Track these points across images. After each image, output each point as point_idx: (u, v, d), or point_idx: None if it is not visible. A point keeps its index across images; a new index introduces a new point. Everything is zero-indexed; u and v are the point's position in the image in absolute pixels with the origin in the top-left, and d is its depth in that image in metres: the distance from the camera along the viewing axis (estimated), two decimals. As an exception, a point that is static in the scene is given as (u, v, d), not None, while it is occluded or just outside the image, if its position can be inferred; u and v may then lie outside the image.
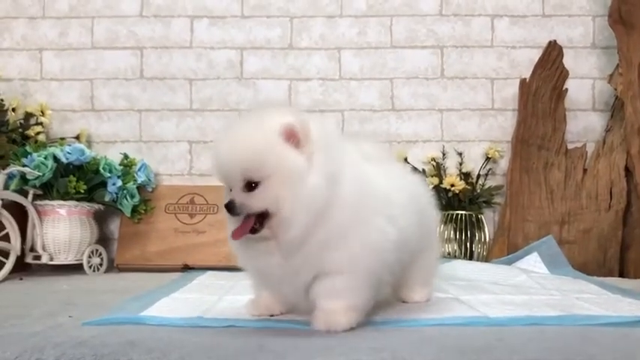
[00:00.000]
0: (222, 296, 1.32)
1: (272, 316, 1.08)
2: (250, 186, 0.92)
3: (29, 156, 1.83)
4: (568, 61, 2.15)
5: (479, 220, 2.07)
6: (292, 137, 0.92)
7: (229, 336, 0.94)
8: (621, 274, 1.95)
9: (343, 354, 0.82)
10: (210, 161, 0.99)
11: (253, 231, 0.94)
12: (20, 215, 1.82)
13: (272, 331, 0.97)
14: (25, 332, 0.95)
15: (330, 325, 0.96)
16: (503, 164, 2.19)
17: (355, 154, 1.02)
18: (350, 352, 0.83)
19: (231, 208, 0.93)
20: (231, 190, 0.95)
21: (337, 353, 0.83)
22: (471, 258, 2.03)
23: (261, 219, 0.93)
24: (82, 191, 1.87)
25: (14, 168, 1.78)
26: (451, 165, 2.16)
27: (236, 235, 0.94)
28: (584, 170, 2.06)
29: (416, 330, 1.00)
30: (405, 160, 2.15)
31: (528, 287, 1.51)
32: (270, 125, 0.92)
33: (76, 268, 1.91)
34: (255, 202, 0.92)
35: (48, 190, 1.86)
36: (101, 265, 1.95)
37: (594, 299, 1.32)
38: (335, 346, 0.87)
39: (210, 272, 1.83)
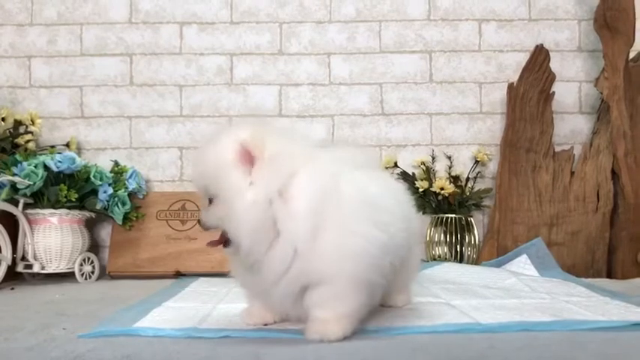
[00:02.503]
0: (216, 305, 1.32)
1: (266, 325, 1.09)
2: (210, 201, 0.98)
3: (19, 165, 1.82)
4: (554, 64, 2.17)
5: (468, 223, 2.08)
6: (244, 156, 0.94)
7: (225, 347, 0.94)
8: (609, 275, 1.98)
9: (338, 364, 0.83)
10: None
11: (225, 244, 0.99)
12: (11, 224, 1.81)
13: (267, 341, 0.98)
14: (21, 347, 0.95)
15: (323, 334, 0.97)
16: (492, 167, 2.21)
17: (336, 163, 1.03)
18: (345, 362, 0.84)
19: (199, 220, 1.01)
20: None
21: (332, 363, 0.84)
22: (461, 260, 2.05)
23: (227, 234, 0.98)
24: (74, 199, 1.86)
25: (4, 177, 1.77)
26: (440, 168, 2.18)
27: (209, 244, 1.01)
28: (572, 173, 2.08)
29: (408, 338, 1.01)
30: (395, 164, 2.16)
31: (518, 290, 1.53)
32: (224, 143, 0.96)
33: (67, 277, 1.91)
34: (209, 217, 0.98)
35: (39, 198, 1.86)
36: (93, 272, 1.94)
37: (583, 302, 1.34)
38: (329, 356, 0.88)
39: (202, 279, 1.83)
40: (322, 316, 0.98)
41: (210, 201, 0.98)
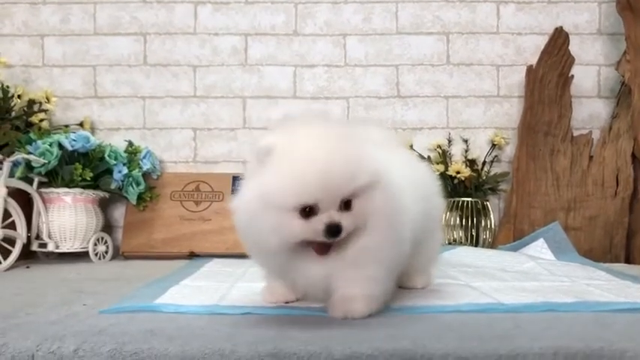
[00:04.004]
0: (234, 284, 1.32)
1: (287, 302, 1.08)
2: (347, 204, 0.90)
3: (34, 143, 1.82)
4: (574, 47, 2.13)
5: (485, 207, 2.07)
6: None
7: (248, 323, 0.93)
8: (627, 261, 1.96)
9: (364, 341, 0.82)
10: (288, 184, 0.87)
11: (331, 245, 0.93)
12: (25, 203, 1.81)
13: (290, 318, 0.97)
14: (43, 321, 0.95)
15: (347, 312, 0.96)
16: (509, 151, 2.18)
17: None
18: (370, 340, 0.83)
19: (336, 231, 0.89)
20: (312, 213, 0.89)
21: (357, 340, 0.83)
22: (476, 245, 2.03)
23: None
24: (88, 179, 1.86)
25: (19, 155, 1.76)
26: (457, 152, 2.15)
27: (324, 252, 0.93)
28: (590, 157, 2.06)
29: (433, 317, 1.00)
30: (411, 147, 2.14)
31: (537, 274, 1.52)
32: (346, 138, 0.91)
33: (81, 256, 1.91)
34: (353, 219, 0.91)
35: (53, 177, 1.85)
36: (107, 252, 1.94)
37: (604, 285, 1.32)
38: (354, 333, 0.87)
39: (217, 259, 1.83)
40: (349, 293, 0.96)
41: (345, 205, 0.90)
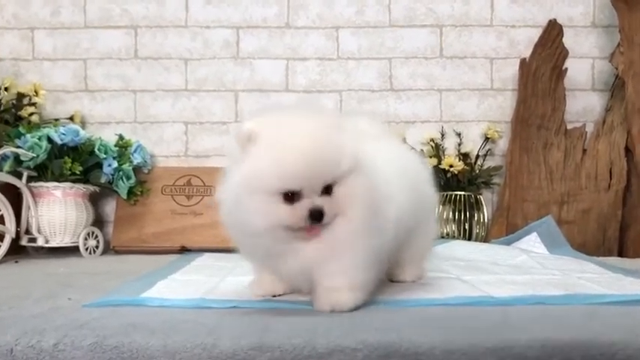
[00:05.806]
0: (224, 278, 1.31)
1: (275, 296, 1.07)
2: (328, 189, 0.91)
3: (23, 137, 1.80)
4: (568, 40, 2.12)
5: (477, 201, 2.06)
6: None
7: (233, 317, 0.92)
8: (620, 254, 1.96)
9: (348, 334, 0.81)
10: (273, 169, 0.88)
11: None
12: (14, 197, 1.79)
13: (276, 312, 0.96)
14: (25, 315, 0.93)
15: (334, 304, 0.94)
16: (502, 144, 2.17)
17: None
18: (354, 333, 0.82)
19: (318, 216, 0.90)
20: (295, 198, 0.90)
21: (342, 333, 0.82)
22: (469, 238, 2.02)
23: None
24: (78, 172, 1.84)
25: (8, 149, 1.75)
26: (450, 145, 2.14)
27: (314, 233, 0.93)
28: (584, 150, 2.05)
29: (420, 310, 0.99)
30: (404, 140, 2.13)
31: (529, 267, 1.51)
32: (327, 126, 0.92)
33: (71, 251, 1.89)
34: (335, 204, 0.91)
35: (42, 171, 1.84)
36: (97, 247, 1.93)
37: (596, 278, 1.32)
38: (340, 326, 0.86)
39: (208, 254, 1.81)
40: (333, 285, 0.95)
41: (328, 189, 0.91)
